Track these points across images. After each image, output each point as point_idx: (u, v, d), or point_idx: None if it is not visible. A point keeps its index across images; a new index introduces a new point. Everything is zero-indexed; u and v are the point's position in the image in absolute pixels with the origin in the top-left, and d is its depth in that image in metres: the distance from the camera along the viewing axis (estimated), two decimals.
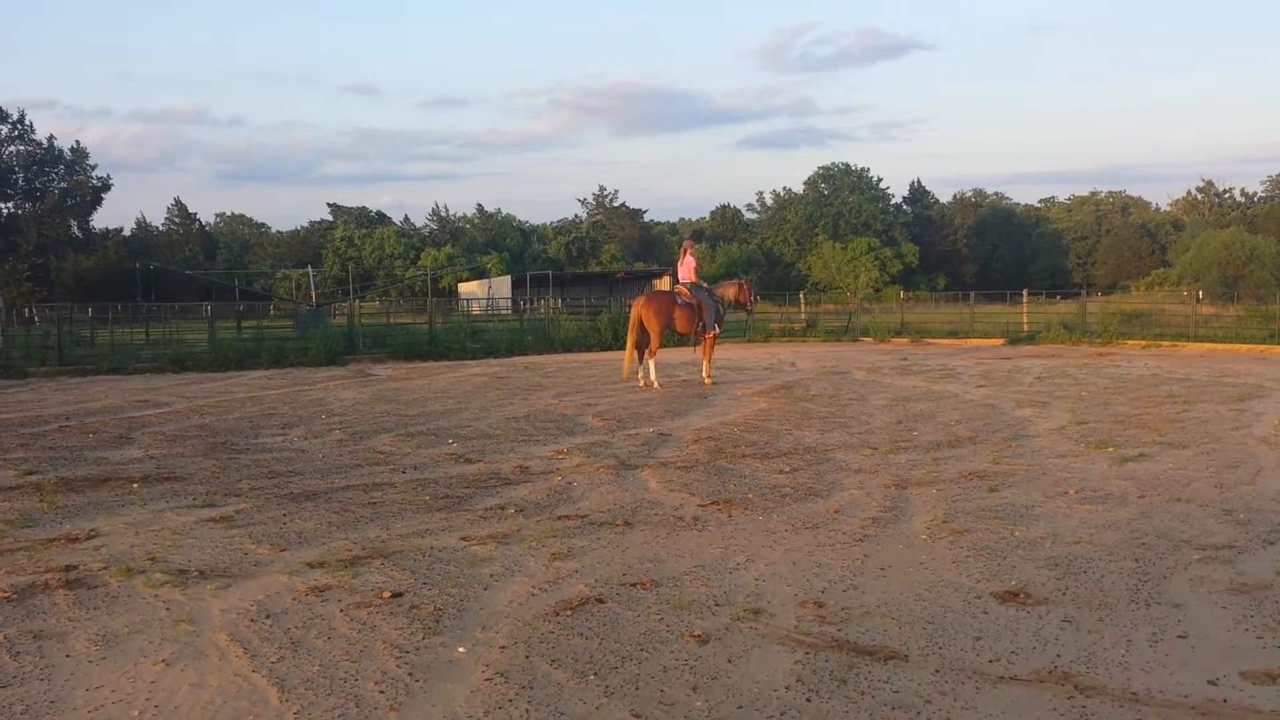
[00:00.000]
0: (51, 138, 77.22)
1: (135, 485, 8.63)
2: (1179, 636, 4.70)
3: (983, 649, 4.57)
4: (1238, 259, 66.86)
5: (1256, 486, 7.99)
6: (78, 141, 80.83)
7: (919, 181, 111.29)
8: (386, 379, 19.74)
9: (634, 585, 5.58)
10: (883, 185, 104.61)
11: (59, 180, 77.43)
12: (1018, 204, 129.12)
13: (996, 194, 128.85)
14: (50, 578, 5.80)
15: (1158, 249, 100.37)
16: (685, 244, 18.33)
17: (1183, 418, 11.90)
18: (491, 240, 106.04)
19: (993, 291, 54.69)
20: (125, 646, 4.75)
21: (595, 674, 4.34)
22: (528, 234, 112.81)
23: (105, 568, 6.02)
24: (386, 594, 5.44)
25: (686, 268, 17.65)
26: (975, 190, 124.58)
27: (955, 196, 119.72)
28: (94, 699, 4.17)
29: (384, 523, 7.16)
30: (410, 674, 4.36)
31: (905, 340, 31.44)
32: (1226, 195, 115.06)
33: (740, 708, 4.00)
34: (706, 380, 17.28)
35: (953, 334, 32.59)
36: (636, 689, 4.18)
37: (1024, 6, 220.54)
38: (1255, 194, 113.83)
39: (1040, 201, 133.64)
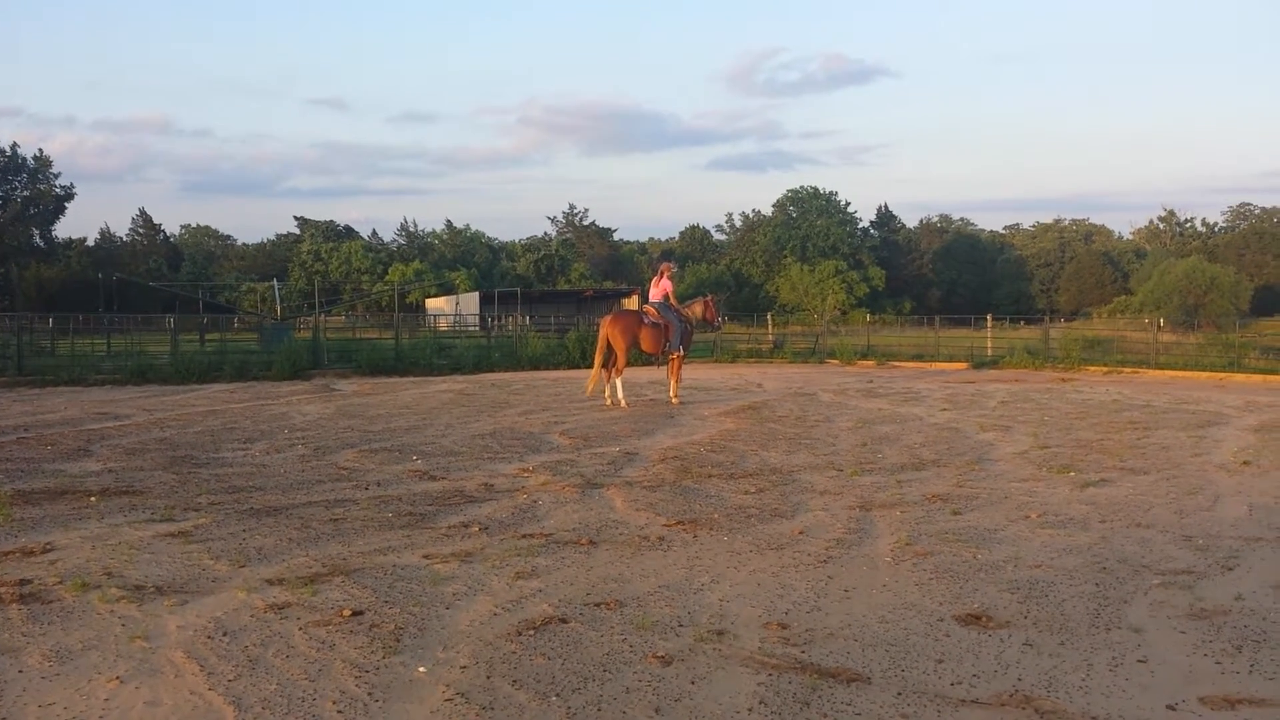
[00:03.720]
0: (14, 145, 76.60)
1: (93, 498, 8.50)
2: (1139, 661, 4.73)
3: (945, 672, 4.58)
4: (1198, 287, 67.95)
5: (1215, 513, 8.07)
6: (40, 150, 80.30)
7: (886, 206, 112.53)
8: (351, 394, 19.60)
9: (598, 605, 5.55)
10: (850, 209, 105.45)
11: (21, 189, 76.67)
12: (983, 230, 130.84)
13: (962, 220, 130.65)
14: (4, 592, 5.69)
15: (1120, 277, 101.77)
16: (664, 266, 18.23)
17: (1143, 444, 12.02)
18: (460, 256, 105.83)
19: (957, 316, 55.33)
20: (79, 663, 4.66)
21: (557, 695, 4.31)
22: (496, 251, 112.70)
23: (60, 582, 5.92)
24: (347, 612, 5.38)
25: (660, 290, 17.61)
26: (941, 216, 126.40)
27: (921, 222, 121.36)
28: (47, 716, 4.09)
29: (345, 540, 7.09)
30: (369, 693, 4.31)
31: (871, 363, 31.63)
32: (1188, 225, 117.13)
33: None
34: (673, 400, 17.29)
35: (918, 357, 32.83)
36: (599, 710, 4.15)
37: (986, 36, 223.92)
38: (1216, 224, 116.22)
39: (1005, 228, 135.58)
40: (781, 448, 11.78)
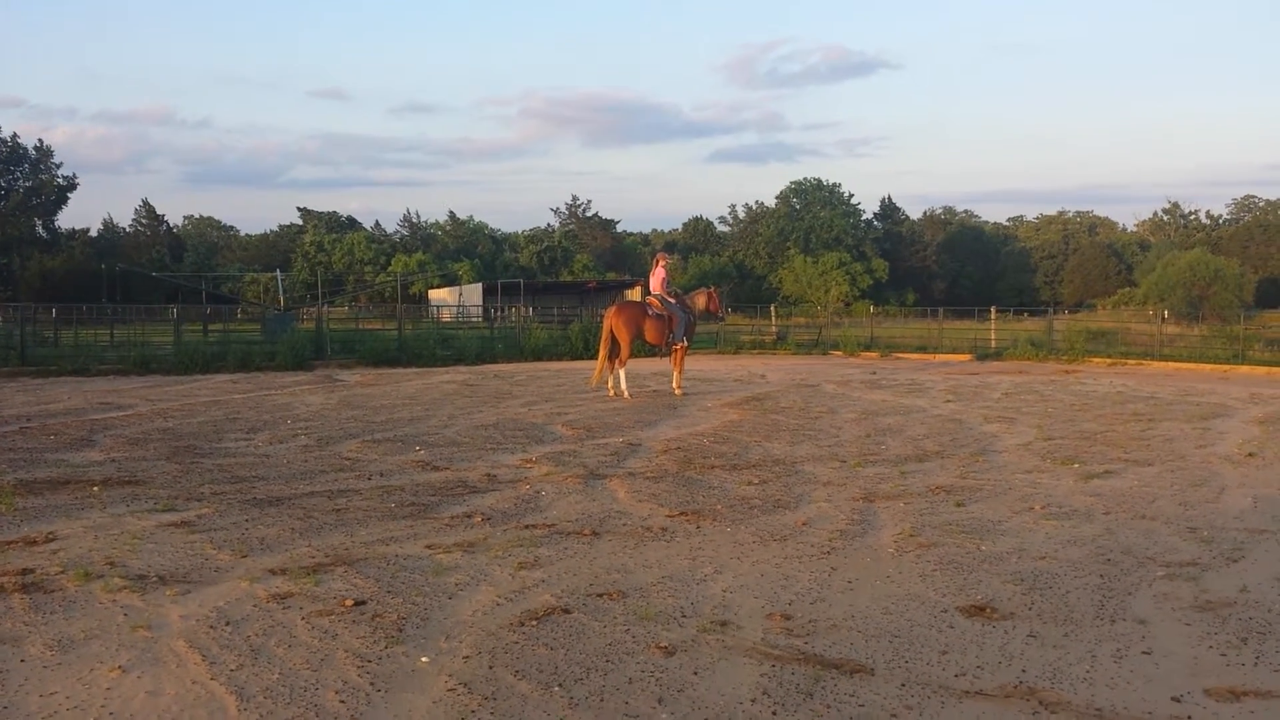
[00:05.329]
0: (15, 136, 76.57)
1: (96, 488, 8.50)
2: (1143, 653, 4.71)
3: (948, 663, 4.57)
4: (1202, 280, 67.80)
5: (1220, 504, 8.06)
6: (41, 140, 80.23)
7: (889, 198, 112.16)
8: (354, 385, 19.59)
9: (600, 596, 5.54)
10: (853, 201, 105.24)
11: (23, 179, 76.67)
12: (987, 222, 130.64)
13: (966, 212, 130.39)
14: (6, 581, 5.69)
15: (1124, 269, 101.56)
16: (659, 256, 18.50)
17: (1148, 435, 12.00)
18: (463, 247, 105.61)
19: (961, 308, 55.22)
20: (81, 652, 4.66)
21: (559, 685, 4.30)
22: (499, 242, 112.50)
23: (63, 572, 5.91)
24: (349, 602, 5.37)
25: (657, 279, 17.70)
26: (945, 208, 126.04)
27: (925, 213, 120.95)
28: (48, 705, 4.08)
29: (348, 530, 7.09)
30: (372, 683, 4.30)
31: (874, 354, 31.58)
32: (1192, 217, 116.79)
33: None
34: (677, 391, 17.28)
35: (921, 349, 32.78)
36: (601, 701, 4.14)
37: (988, 28, 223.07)
38: (1220, 216, 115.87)
39: (1009, 220, 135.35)
40: (785, 439, 11.76)
